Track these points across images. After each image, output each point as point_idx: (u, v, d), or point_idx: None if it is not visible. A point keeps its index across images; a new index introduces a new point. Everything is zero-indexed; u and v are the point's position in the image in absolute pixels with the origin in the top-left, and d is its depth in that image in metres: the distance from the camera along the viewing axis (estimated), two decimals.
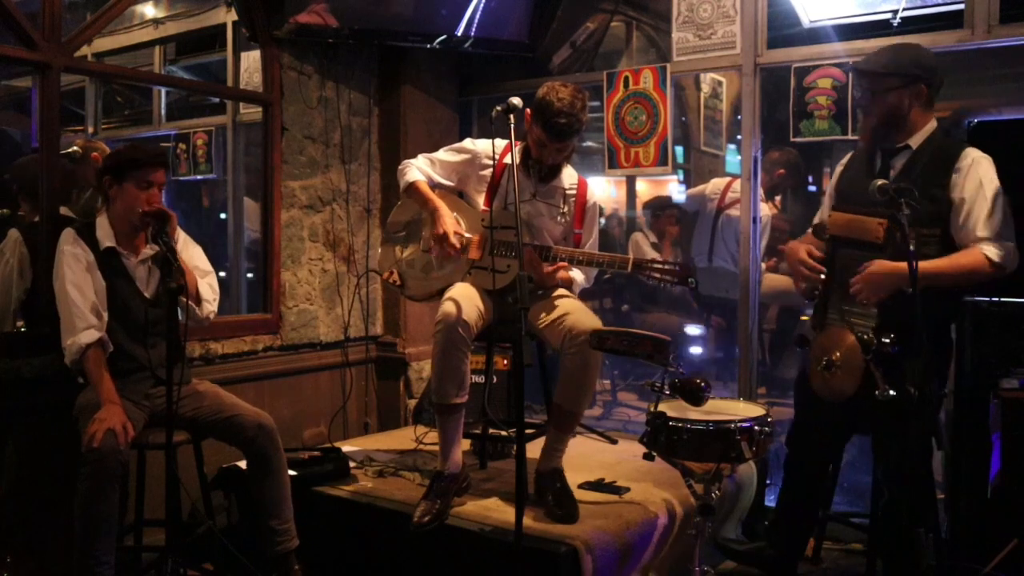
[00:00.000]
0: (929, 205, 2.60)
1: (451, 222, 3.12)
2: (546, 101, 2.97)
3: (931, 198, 2.61)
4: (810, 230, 2.97)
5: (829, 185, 3.05)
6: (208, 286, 3.05)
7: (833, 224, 2.79)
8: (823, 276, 2.77)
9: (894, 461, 2.69)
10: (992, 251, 2.57)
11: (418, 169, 3.23)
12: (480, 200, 3.22)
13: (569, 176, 3.26)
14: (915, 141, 2.75)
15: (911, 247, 2.42)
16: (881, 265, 2.59)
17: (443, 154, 3.28)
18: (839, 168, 3.03)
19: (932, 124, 2.78)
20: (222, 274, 4.94)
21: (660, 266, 2.92)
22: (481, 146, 3.25)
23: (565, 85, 3.02)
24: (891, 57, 2.77)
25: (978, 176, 2.62)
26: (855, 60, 3.52)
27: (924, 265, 2.46)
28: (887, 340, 2.52)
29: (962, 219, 2.61)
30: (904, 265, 2.47)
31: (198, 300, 2.92)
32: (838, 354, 2.66)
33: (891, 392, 2.45)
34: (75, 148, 3.54)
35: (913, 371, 2.38)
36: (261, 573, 2.92)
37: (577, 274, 3.21)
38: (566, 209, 3.23)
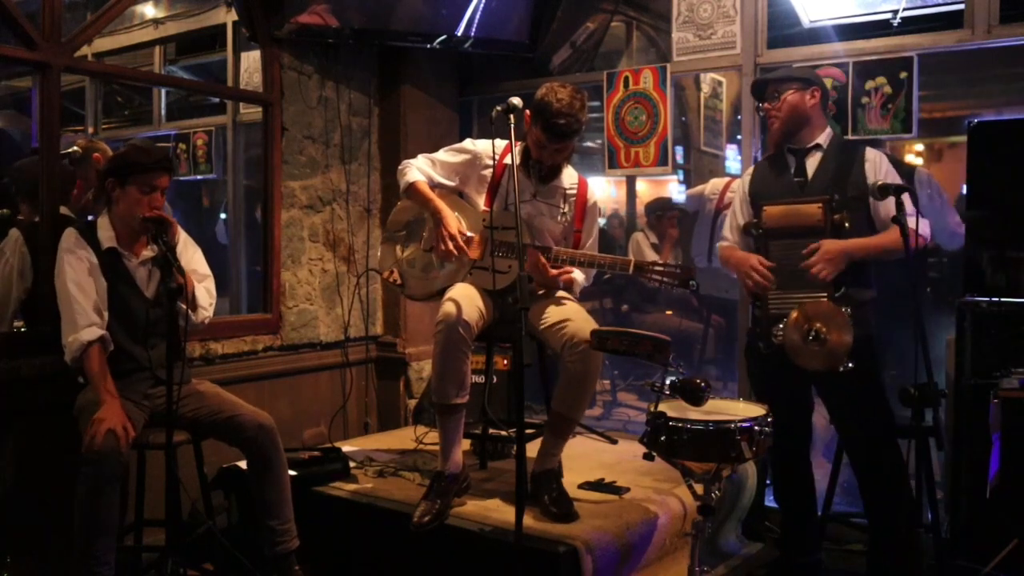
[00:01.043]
0: (851, 192, 2.96)
1: (454, 222, 3.11)
2: (545, 102, 2.97)
3: (851, 184, 2.97)
4: (737, 231, 3.22)
5: (737, 196, 3.31)
6: (205, 290, 3.04)
7: (770, 217, 3.05)
8: (771, 287, 3.02)
9: (851, 437, 3.06)
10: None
11: (418, 169, 3.22)
12: (480, 200, 3.22)
13: (569, 176, 3.26)
14: (823, 140, 3.10)
15: (846, 226, 2.90)
16: (833, 243, 2.90)
17: (443, 154, 3.28)
18: (746, 178, 3.28)
19: (829, 128, 3.16)
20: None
21: (661, 268, 2.92)
22: (481, 146, 3.24)
23: (564, 86, 3.01)
24: (786, 70, 3.27)
25: (885, 166, 3.00)
26: (856, 61, 3.56)
27: (871, 241, 2.92)
28: (847, 309, 2.83)
29: (881, 203, 2.92)
30: (850, 242, 2.90)
31: (194, 305, 2.91)
32: (827, 327, 2.82)
33: (851, 364, 2.80)
34: (75, 148, 3.54)
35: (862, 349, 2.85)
36: (261, 573, 2.92)
37: (578, 274, 3.22)
38: (566, 209, 3.23)
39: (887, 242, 2.89)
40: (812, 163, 3.09)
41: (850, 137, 3.55)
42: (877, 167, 3.00)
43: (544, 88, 3.01)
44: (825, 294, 2.91)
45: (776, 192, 3.10)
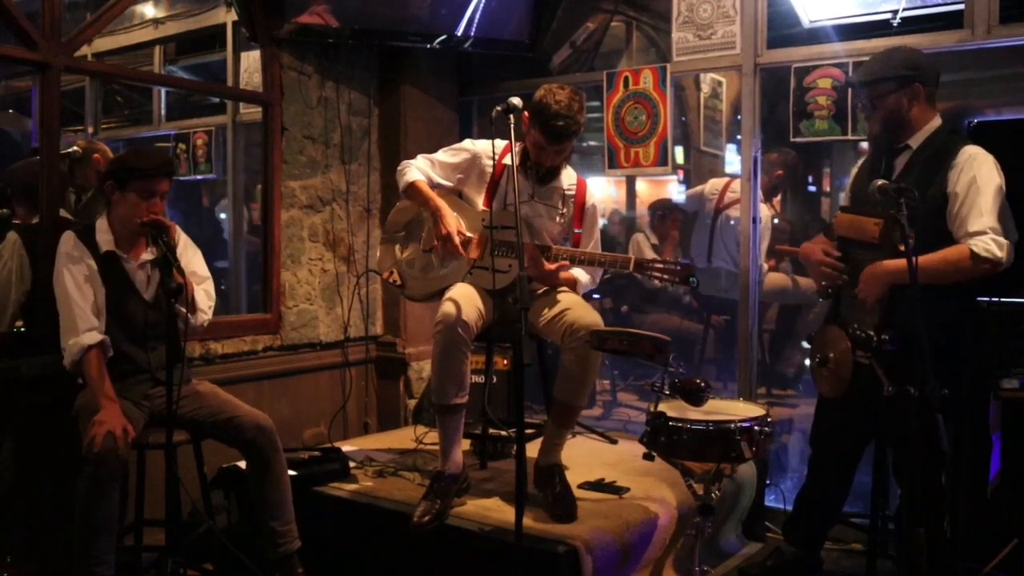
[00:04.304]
0: (928, 201, 2.62)
1: (453, 221, 3.11)
2: (543, 104, 2.97)
3: (930, 195, 2.64)
4: (823, 231, 3.05)
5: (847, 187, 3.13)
6: (204, 293, 3.04)
7: (838, 225, 2.88)
8: (845, 276, 2.82)
9: (902, 462, 2.76)
10: (978, 245, 2.55)
11: (417, 169, 3.22)
12: (479, 201, 3.22)
13: (568, 176, 3.26)
14: (915, 140, 2.79)
15: (910, 244, 2.37)
16: (875, 266, 2.67)
17: (442, 155, 3.28)
18: (854, 170, 3.09)
19: (935, 122, 2.81)
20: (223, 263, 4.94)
21: (661, 265, 2.93)
22: (480, 147, 3.25)
23: (562, 87, 3.01)
24: (882, 63, 2.84)
25: (972, 171, 2.62)
26: (856, 61, 3.54)
27: (921, 260, 2.45)
28: (885, 337, 2.53)
29: (954, 213, 2.64)
30: (894, 262, 2.58)
31: (193, 308, 2.91)
32: (832, 352, 2.70)
33: (891, 388, 2.45)
34: (75, 148, 3.54)
35: (915, 370, 2.34)
36: (263, 574, 2.92)
37: (581, 274, 3.21)
38: (565, 210, 3.23)
39: (935, 261, 2.54)
40: (899, 167, 2.80)
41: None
42: (961, 172, 2.62)
43: (542, 90, 3.01)
44: (877, 312, 2.68)
45: (862, 194, 2.82)
